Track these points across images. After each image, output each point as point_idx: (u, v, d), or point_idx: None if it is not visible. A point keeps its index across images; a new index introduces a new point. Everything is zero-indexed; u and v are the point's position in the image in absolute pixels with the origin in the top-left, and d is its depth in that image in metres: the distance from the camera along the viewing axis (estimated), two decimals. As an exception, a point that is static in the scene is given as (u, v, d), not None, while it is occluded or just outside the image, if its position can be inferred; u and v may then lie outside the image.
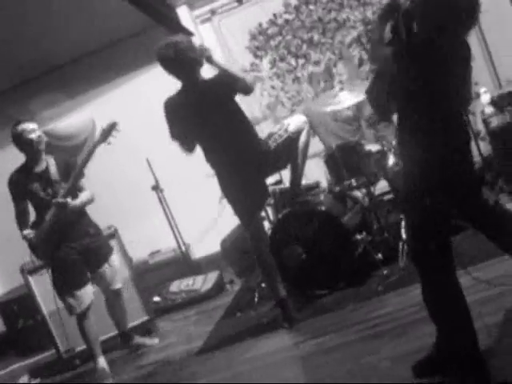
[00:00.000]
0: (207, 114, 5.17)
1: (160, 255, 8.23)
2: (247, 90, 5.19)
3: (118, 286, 5.98)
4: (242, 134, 5.28)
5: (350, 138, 6.52)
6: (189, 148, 5.40)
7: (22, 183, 5.65)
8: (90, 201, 5.77)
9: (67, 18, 6.94)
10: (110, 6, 6.97)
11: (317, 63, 7.95)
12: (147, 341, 6.29)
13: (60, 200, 5.45)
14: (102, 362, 5.85)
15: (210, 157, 5.37)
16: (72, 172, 5.56)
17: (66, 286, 5.69)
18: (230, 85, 5.12)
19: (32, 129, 5.58)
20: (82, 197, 5.69)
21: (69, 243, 5.62)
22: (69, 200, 5.49)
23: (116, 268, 5.96)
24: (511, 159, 5.86)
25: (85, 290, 5.73)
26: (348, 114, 6.72)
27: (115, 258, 6.01)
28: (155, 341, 6.28)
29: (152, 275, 7.84)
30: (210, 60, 5.17)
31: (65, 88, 8.35)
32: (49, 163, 5.68)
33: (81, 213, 5.75)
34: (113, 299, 6.00)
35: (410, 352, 3.92)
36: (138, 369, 5.83)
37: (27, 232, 5.57)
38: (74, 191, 5.62)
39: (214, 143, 5.27)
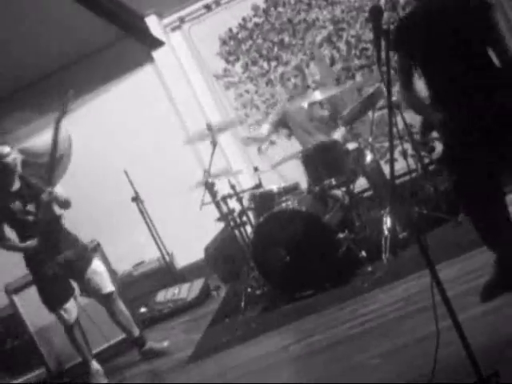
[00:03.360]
0: None
1: (144, 266, 8.21)
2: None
3: (107, 290, 5.86)
4: None
5: (326, 138, 6.53)
6: None
7: (2, 203, 5.63)
8: (67, 200, 5.75)
9: (36, 35, 6.92)
10: (78, 19, 6.94)
11: (287, 63, 7.96)
12: (157, 345, 6.10)
13: (48, 191, 5.47)
14: (94, 364, 5.88)
15: None
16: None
17: (56, 300, 5.72)
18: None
19: (5, 153, 5.56)
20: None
21: (50, 259, 5.61)
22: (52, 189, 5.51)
23: (101, 273, 5.87)
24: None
25: (72, 302, 5.77)
26: (323, 113, 6.73)
27: (99, 264, 5.93)
28: (164, 344, 6.11)
29: (137, 287, 7.81)
30: None
31: (38, 105, 8.31)
32: (23, 180, 5.68)
33: (58, 226, 5.77)
34: (108, 306, 5.90)
35: (397, 349, 3.95)
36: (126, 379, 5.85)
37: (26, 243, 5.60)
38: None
39: None
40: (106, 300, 5.90)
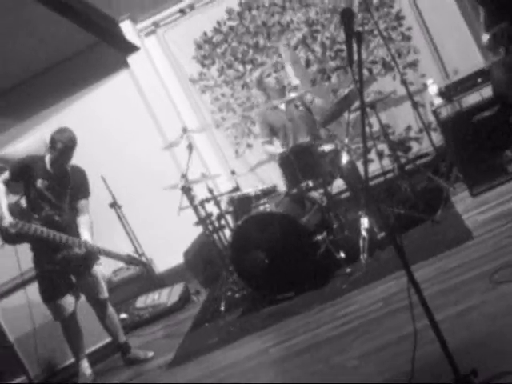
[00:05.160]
0: None
1: (123, 272, 8.17)
2: None
3: (105, 295, 5.89)
4: None
5: (307, 138, 6.54)
6: None
7: None
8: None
9: (10, 42, 6.89)
10: (52, 25, 6.92)
11: (262, 65, 7.95)
12: (141, 354, 6.14)
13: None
14: (84, 366, 5.90)
15: None
16: None
17: (48, 295, 5.75)
18: None
19: None
20: (85, 229, 5.86)
21: (52, 254, 5.61)
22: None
23: (99, 278, 5.86)
24: (462, 148, 5.92)
25: (65, 299, 5.75)
26: (300, 113, 6.72)
27: (97, 269, 5.90)
28: (149, 354, 6.08)
29: (117, 293, 7.77)
30: None
31: (13, 112, 8.28)
32: None
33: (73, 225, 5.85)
34: (99, 310, 5.92)
35: (376, 349, 3.97)
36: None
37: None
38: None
39: None
40: (100, 304, 5.90)
